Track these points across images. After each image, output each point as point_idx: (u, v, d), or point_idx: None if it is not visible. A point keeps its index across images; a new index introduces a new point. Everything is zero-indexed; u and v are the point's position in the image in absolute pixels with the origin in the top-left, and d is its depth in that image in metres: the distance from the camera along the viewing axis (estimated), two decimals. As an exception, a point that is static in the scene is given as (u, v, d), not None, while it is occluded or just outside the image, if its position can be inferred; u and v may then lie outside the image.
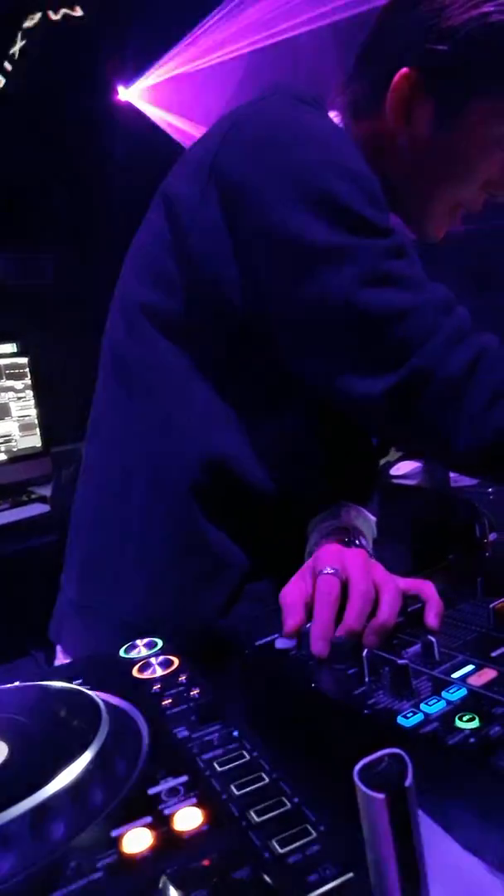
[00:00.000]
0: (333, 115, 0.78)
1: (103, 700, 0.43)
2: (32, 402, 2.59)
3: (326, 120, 0.74)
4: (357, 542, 0.66)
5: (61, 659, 0.82)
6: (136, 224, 0.80)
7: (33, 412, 2.59)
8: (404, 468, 1.78)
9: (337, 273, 0.63)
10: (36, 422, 2.59)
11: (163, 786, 0.36)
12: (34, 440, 2.58)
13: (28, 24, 2.69)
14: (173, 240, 0.72)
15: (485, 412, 0.63)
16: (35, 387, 2.60)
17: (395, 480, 1.70)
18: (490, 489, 1.02)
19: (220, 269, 0.69)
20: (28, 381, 2.59)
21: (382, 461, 0.99)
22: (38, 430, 2.59)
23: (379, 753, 0.23)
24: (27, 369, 2.59)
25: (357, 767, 0.22)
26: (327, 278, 0.63)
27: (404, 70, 0.71)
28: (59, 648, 0.83)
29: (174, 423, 0.73)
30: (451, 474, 1.53)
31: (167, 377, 0.73)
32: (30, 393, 2.59)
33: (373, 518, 0.76)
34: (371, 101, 0.75)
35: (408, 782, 0.22)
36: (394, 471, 1.75)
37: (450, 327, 0.64)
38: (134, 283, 0.77)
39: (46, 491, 2.27)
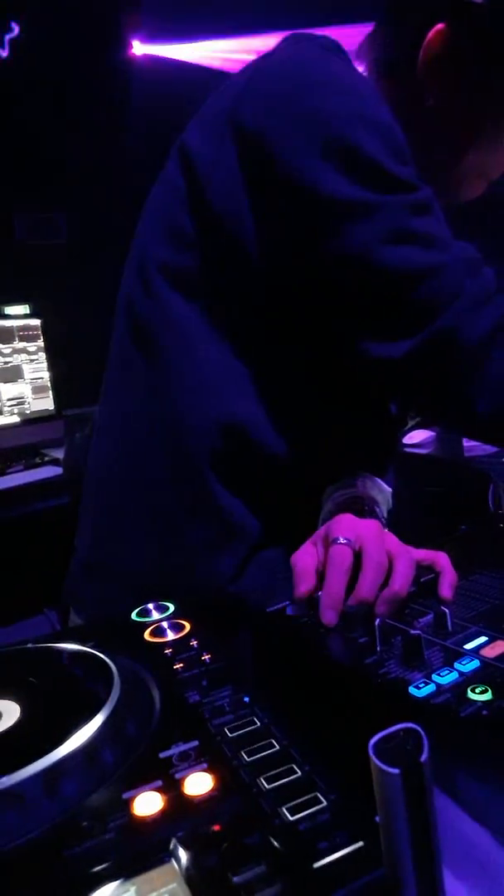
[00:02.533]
0: (359, 69, 0.75)
1: (115, 663, 0.43)
2: (45, 364, 2.59)
3: (352, 69, 0.71)
4: (371, 512, 0.66)
5: (75, 620, 0.83)
6: (151, 182, 0.78)
7: (46, 374, 2.58)
8: (417, 437, 1.76)
9: (357, 229, 0.61)
10: (49, 384, 2.59)
11: (174, 750, 0.36)
12: (47, 402, 2.58)
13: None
14: (190, 194, 0.70)
15: None
16: (48, 349, 2.59)
17: (407, 449, 1.69)
18: (505, 460, 1.01)
19: (237, 224, 0.66)
20: (41, 343, 2.58)
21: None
22: (50, 392, 2.59)
23: (394, 728, 0.23)
24: (40, 331, 2.58)
25: (372, 741, 0.22)
26: (347, 234, 0.61)
27: (440, 26, 0.67)
28: (72, 610, 0.84)
29: (189, 384, 0.72)
30: (465, 443, 1.52)
31: (183, 338, 0.72)
32: (43, 355, 2.58)
33: (388, 489, 0.75)
34: (401, 57, 0.71)
35: (423, 758, 0.22)
36: (407, 440, 1.73)
37: (475, 289, 0.61)
38: (150, 240, 0.75)
39: (59, 453, 2.28)
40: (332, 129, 0.62)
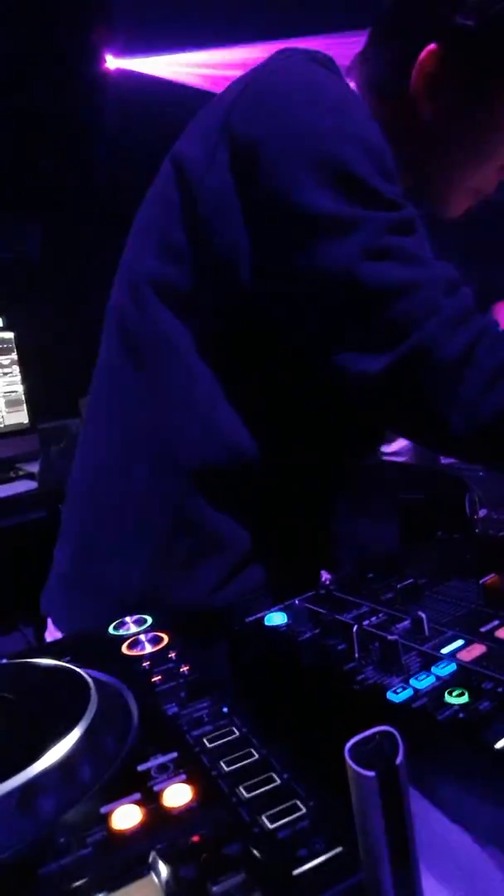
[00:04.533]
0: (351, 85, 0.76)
1: (92, 677, 0.43)
2: (19, 377, 2.56)
3: (344, 85, 0.72)
4: None
5: (52, 633, 0.82)
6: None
7: (20, 388, 2.56)
8: (395, 445, 1.78)
9: (340, 244, 0.61)
10: (23, 398, 2.57)
11: (152, 762, 0.36)
12: (21, 416, 2.56)
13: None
14: (182, 206, 0.70)
15: (482, 395, 0.61)
16: (21, 362, 2.57)
17: (385, 457, 1.70)
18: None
19: (228, 237, 0.67)
20: (14, 356, 2.56)
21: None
22: (24, 406, 2.57)
23: (370, 731, 0.23)
24: (13, 344, 2.56)
25: (348, 745, 0.22)
26: (330, 249, 0.62)
27: (432, 46, 0.68)
28: (49, 623, 0.83)
29: (179, 399, 0.72)
30: (441, 451, 1.53)
31: (173, 352, 0.72)
32: (16, 368, 2.56)
33: None
34: (393, 77, 0.72)
35: (399, 760, 0.22)
36: (384, 448, 1.75)
37: (452, 308, 0.62)
38: (141, 254, 0.75)
39: (34, 467, 2.26)
40: (319, 144, 0.62)
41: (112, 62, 3.09)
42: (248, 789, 0.32)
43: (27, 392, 2.57)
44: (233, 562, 0.73)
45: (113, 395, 0.78)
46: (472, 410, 0.62)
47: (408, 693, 0.42)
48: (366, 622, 0.53)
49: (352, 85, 0.76)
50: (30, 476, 2.27)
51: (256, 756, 0.35)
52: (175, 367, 0.72)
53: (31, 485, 2.20)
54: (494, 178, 0.78)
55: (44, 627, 0.84)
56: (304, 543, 0.77)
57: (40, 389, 2.60)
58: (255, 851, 0.28)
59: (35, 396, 2.59)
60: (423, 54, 0.69)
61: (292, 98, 0.65)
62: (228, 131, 0.66)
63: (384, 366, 0.62)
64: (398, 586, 0.57)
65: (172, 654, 0.49)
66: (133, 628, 0.55)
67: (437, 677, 0.43)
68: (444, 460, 1.52)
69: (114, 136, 2.88)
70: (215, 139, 0.67)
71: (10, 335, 2.55)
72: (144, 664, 0.48)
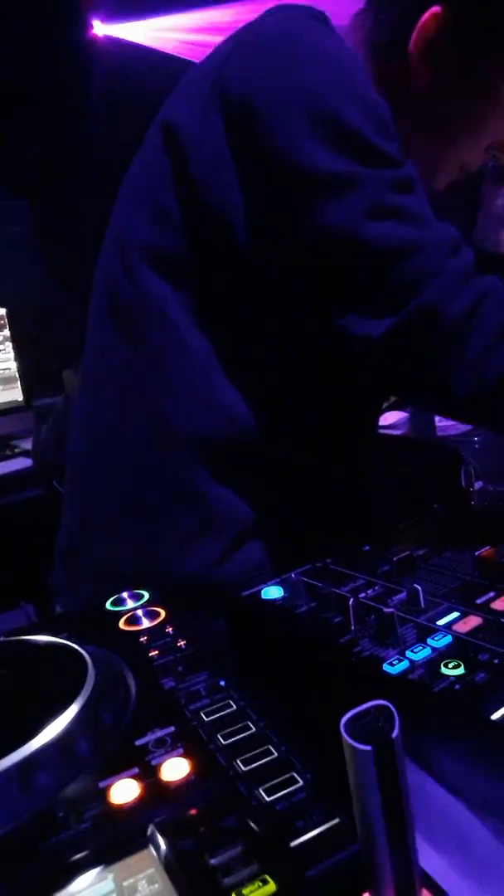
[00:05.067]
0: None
1: (90, 653, 0.43)
2: (12, 354, 2.54)
3: (340, 41, 0.69)
4: None
5: (60, 611, 0.82)
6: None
7: (13, 365, 2.54)
8: (391, 418, 1.78)
9: (342, 203, 0.60)
10: (17, 375, 2.55)
11: (150, 737, 0.36)
12: (15, 394, 2.54)
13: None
14: (173, 170, 0.68)
15: (486, 356, 0.61)
16: (14, 339, 2.54)
17: (382, 430, 1.70)
18: (476, 438, 1.02)
19: (223, 199, 0.65)
20: (7, 332, 2.53)
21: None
22: (18, 383, 2.55)
23: (366, 705, 0.23)
24: (6, 321, 2.53)
25: (344, 719, 0.22)
26: (332, 208, 0.60)
27: (436, 9, 0.66)
28: (56, 603, 0.83)
29: (175, 370, 0.71)
30: (438, 423, 1.53)
31: (168, 323, 0.70)
32: (9, 345, 2.53)
33: None
34: (392, 38, 0.70)
35: (394, 734, 0.22)
36: (381, 421, 1.74)
37: (456, 268, 0.61)
38: (131, 222, 0.73)
39: (29, 445, 2.25)
40: (317, 101, 0.61)
41: (100, 28, 3.02)
42: (246, 762, 0.33)
43: (21, 369, 2.55)
44: (233, 536, 0.72)
45: (105, 370, 0.77)
46: (475, 371, 0.61)
47: (404, 665, 0.42)
48: (362, 595, 0.53)
49: (349, 44, 0.74)
50: (25, 454, 2.26)
51: (253, 729, 0.35)
52: (168, 337, 0.71)
53: (26, 462, 2.20)
54: (481, 154, 0.76)
55: (48, 604, 0.84)
56: (304, 517, 0.77)
57: (34, 366, 2.58)
58: (252, 824, 0.28)
59: (29, 374, 2.57)
60: (425, 16, 0.67)
61: (289, 54, 0.63)
62: (221, 89, 0.64)
63: (387, 328, 0.61)
64: (394, 559, 0.57)
65: (170, 629, 0.49)
66: (130, 603, 0.55)
67: (433, 649, 0.43)
68: (440, 433, 1.51)
69: (102, 105, 2.82)
70: (207, 99, 0.65)
71: (2, 311, 2.52)
72: (142, 639, 0.48)
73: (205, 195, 0.66)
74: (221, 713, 0.37)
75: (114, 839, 0.29)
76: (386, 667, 0.42)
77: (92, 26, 3.00)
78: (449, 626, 0.46)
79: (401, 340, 0.61)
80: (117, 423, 0.75)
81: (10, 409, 2.52)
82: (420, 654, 0.43)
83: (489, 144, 0.74)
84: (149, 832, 0.29)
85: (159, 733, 0.36)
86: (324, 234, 0.61)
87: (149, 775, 0.32)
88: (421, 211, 0.62)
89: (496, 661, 0.40)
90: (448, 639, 0.44)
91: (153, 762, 0.33)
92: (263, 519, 0.73)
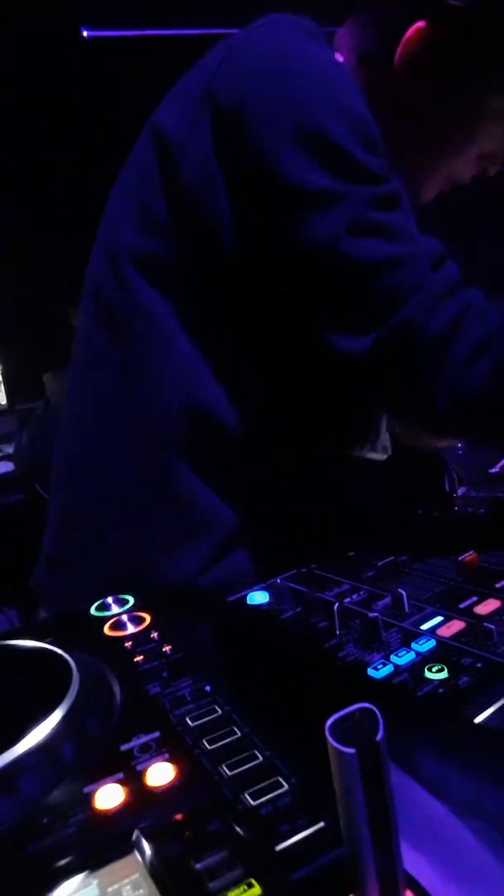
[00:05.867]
0: (337, 56, 0.74)
1: (74, 658, 0.43)
2: (-4, 358, 2.53)
3: (329, 54, 0.70)
4: None
5: (44, 616, 0.82)
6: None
7: (-3, 368, 2.53)
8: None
9: (324, 219, 0.61)
10: (0, 378, 2.53)
11: (135, 742, 0.36)
12: (-1, 397, 2.53)
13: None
14: (162, 175, 0.68)
15: (466, 371, 0.61)
16: (-1, 342, 2.53)
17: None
18: (459, 444, 1.03)
19: (211, 206, 0.65)
20: (-9, 336, 2.52)
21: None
22: (2, 387, 2.54)
23: (350, 708, 0.23)
24: (-10, 324, 2.52)
25: (328, 722, 0.22)
26: (315, 222, 0.61)
27: (420, 24, 0.67)
28: (41, 608, 0.83)
29: (160, 373, 0.71)
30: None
31: (155, 326, 0.70)
32: (-7, 348, 2.52)
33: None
34: (379, 50, 0.71)
35: (379, 737, 0.22)
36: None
37: (437, 283, 0.61)
38: (120, 226, 0.73)
39: (12, 449, 2.24)
40: (304, 114, 0.61)
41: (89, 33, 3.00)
42: (231, 767, 0.33)
43: (5, 373, 2.54)
44: (219, 541, 0.72)
45: (92, 372, 0.77)
46: (457, 387, 0.61)
47: (388, 669, 0.42)
48: (347, 600, 0.53)
49: (337, 55, 0.75)
50: (8, 458, 2.25)
51: (238, 734, 0.35)
52: (156, 342, 0.71)
53: (8, 466, 2.18)
54: (471, 168, 0.77)
55: (31, 609, 0.84)
56: (289, 521, 0.77)
57: (19, 370, 2.56)
58: (237, 828, 0.28)
59: (13, 378, 2.55)
60: (410, 31, 0.68)
61: (276, 68, 0.63)
62: (211, 98, 0.64)
63: (369, 345, 0.62)
64: (378, 564, 0.58)
65: (154, 635, 0.49)
66: (115, 609, 0.55)
67: (417, 653, 0.44)
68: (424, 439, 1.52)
69: (90, 102, 2.80)
70: (197, 107, 0.65)
71: (-14, 314, 2.51)
72: (126, 644, 0.48)
73: (193, 202, 0.66)
74: (207, 718, 0.37)
75: (99, 844, 0.29)
76: (370, 671, 0.42)
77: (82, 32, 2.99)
78: (433, 630, 0.46)
79: (382, 356, 0.62)
80: (104, 426, 0.75)
81: (-6, 413, 2.51)
82: (404, 658, 0.43)
83: (479, 156, 0.75)
84: (134, 837, 0.29)
85: (144, 738, 0.36)
86: (306, 248, 0.62)
87: (134, 780, 0.32)
88: (404, 226, 0.63)
89: (479, 664, 0.41)
90: (432, 643, 0.44)
91: (138, 767, 0.33)
92: (249, 523, 0.73)
